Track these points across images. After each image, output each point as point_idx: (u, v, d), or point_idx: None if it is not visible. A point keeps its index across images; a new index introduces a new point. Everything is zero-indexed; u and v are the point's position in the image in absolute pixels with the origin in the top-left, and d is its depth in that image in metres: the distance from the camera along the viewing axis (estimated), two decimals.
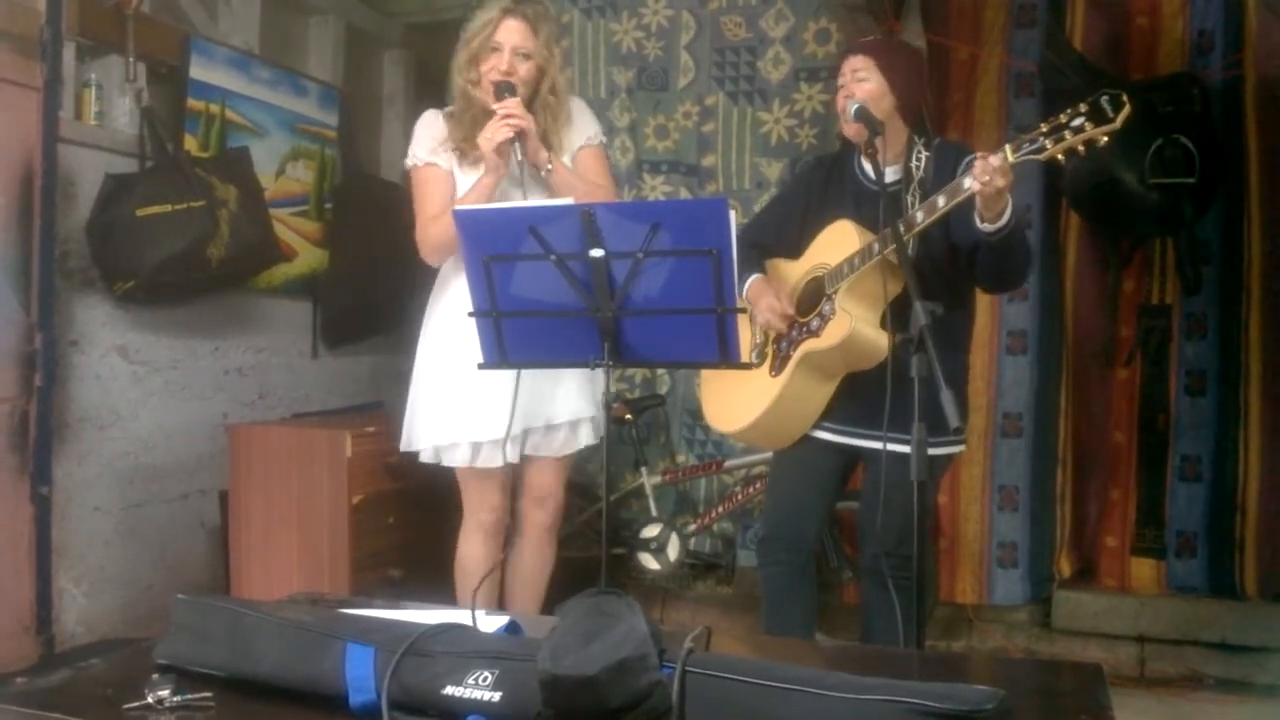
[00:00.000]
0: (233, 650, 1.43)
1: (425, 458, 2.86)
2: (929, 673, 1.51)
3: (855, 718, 1.14)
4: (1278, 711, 3.38)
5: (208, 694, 1.36)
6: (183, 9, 3.90)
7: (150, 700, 1.33)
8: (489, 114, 2.70)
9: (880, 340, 2.51)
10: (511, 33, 2.71)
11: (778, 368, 2.71)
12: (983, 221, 2.31)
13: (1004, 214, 2.30)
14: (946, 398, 1.99)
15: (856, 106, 2.54)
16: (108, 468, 3.48)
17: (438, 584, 3.39)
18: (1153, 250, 3.83)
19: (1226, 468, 3.66)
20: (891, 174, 2.61)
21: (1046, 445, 3.86)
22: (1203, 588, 3.72)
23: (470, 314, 2.30)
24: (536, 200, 2.63)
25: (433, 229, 2.73)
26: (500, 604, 2.97)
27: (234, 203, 3.58)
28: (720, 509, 4.06)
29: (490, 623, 1.57)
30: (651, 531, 3.99)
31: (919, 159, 2.62)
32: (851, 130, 2.60)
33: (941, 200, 2.36)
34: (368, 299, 4.52)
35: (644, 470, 4.06)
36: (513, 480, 2.93)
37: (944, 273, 2.57)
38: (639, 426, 4.08)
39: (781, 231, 2.83)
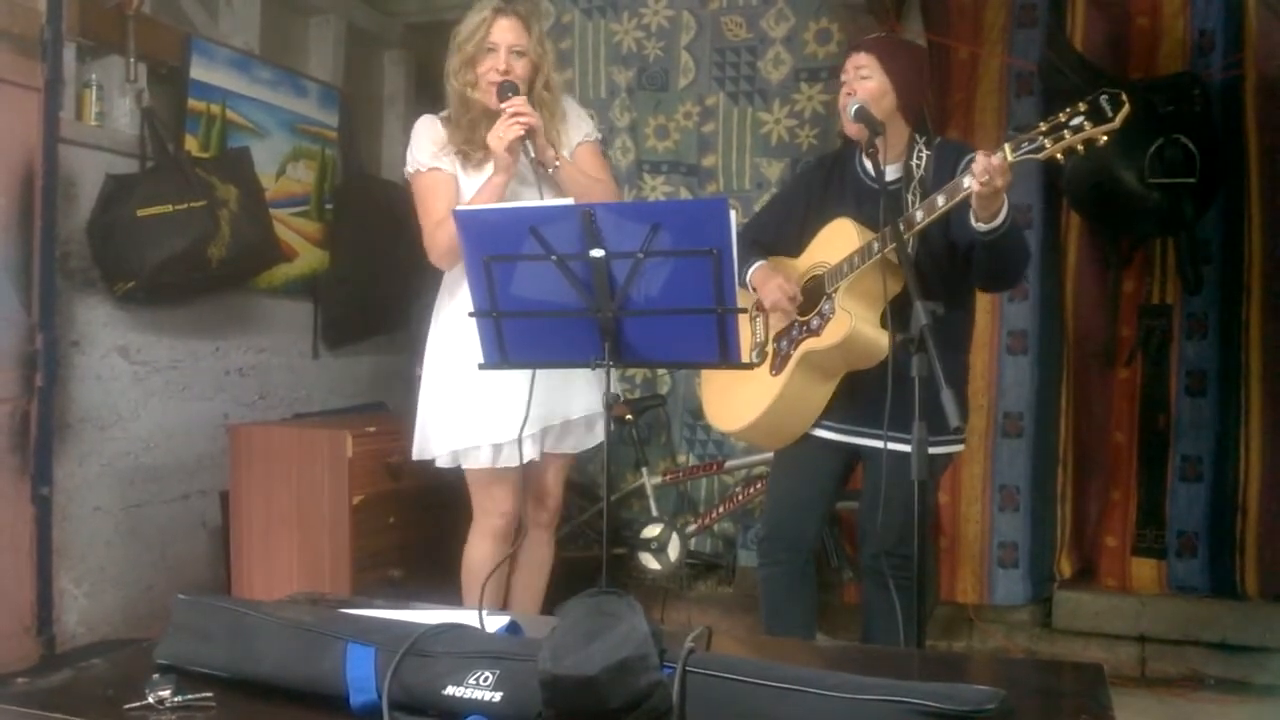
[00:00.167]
0: (233, 650, 1.43)
1: (442, 463, 2.84)
2: (929, 673, 1.51)
3: (856, 718, 1.14)
4: (1278, 711, 3.38)
5: (208, 694, 1.36)
6: (183, 9, 3.90)
7: (151, 700, 1.33)
8: (489, 115, 2.71)
9: (880, 339, 2.51)
10: (506, 31, 2.71)
11: (778, 367, 2.71)
12: (977, 221, 2.31)
13: (999, 214, 2.30)
14: (947, 397, 1.99)
15: (857, 106, 2.55)
16: (108, 468, 3.48)
17: (438, 584, 3.39)
18: (1153, 250, 3.83)
19: (1227, 468, 3.66)
20: (892, 173, 2.62)
21: (1047, 445, 3.86)
22: (1203, 588, 3.72)
23: (471, 314, 2.30)
24: (549, 198, 2.62)
25: (441, 234, 2.71)
26: (504, 604, 2.97)
27: (235, 203, 3.58)
28: (721, 509, 4.06)
29: (491, 623, 1.57)
30: (652, 531, 3.99)
31: (919, 158, 2.62)
32: (853, 129, 2.60)
33: (941, 199, 2.36)
34: (368, 299, 4.52)
35: (645, 470, 4.06)
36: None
37: (944, 272, 2.57)
38: (640, 426, 4.08)
39: (782, 230, 2.83)
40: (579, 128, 2.88)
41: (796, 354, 2.65)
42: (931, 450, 2.12)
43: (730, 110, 4.22)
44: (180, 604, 1.53)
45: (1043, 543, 3.87)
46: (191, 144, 3.73)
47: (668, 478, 4.15)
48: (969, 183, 2.25)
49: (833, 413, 2.69)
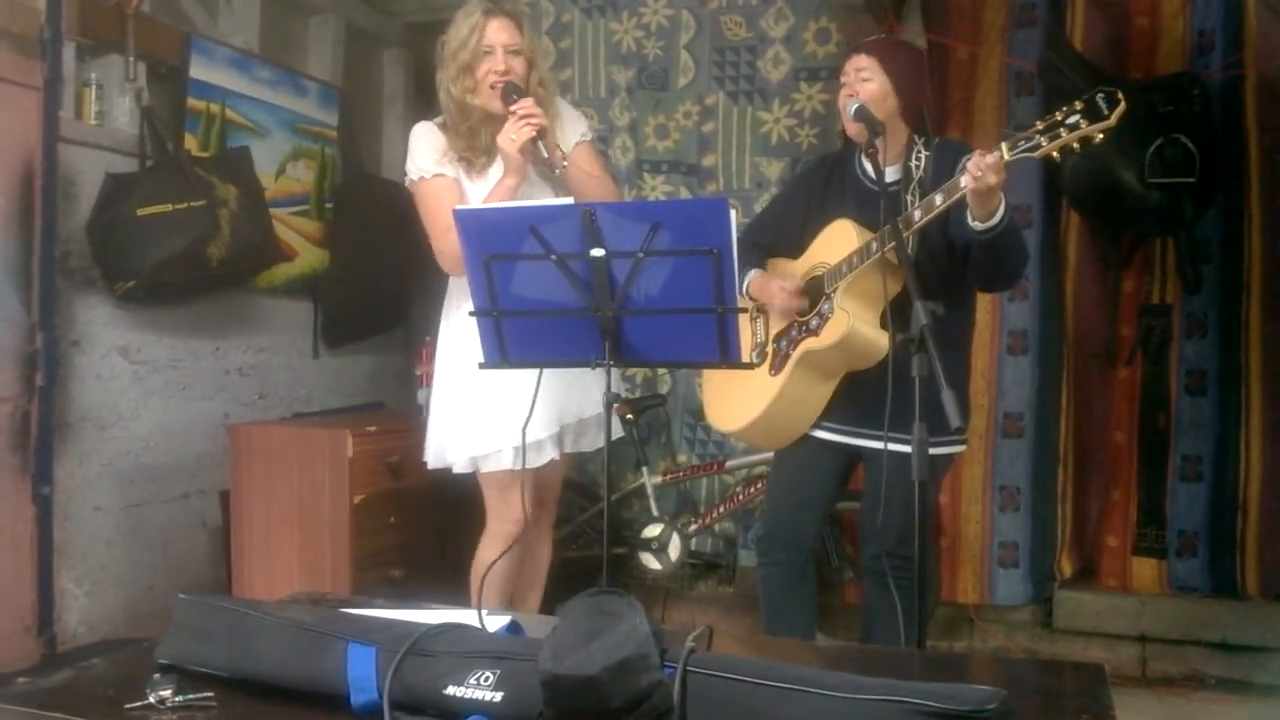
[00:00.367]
0: (234, 650, 1.43)
1: (459, 469, 2.83)
2: (930, 673, 1.51)
3: (857, 718, 1.14)
4: (1278, 711, 3.38)
5: (209, 694, 1.36)
6: (183, 9, 3.90)
7: (152, 700, 1.33)
8: (489, 120, 2.71)
9: (879, 339, 2.51)
10: (499, 32, 2.71)
11: (777, 366, 2.71)
12: (974, 219, 2.31)
13: (996, 213, 2.30)
14: (948, 398, 1.98)
15: (857, 106, 2.55)
16: (109, 468, 3.48)
17: (439, 584, 3.39)
18: (1153, 250, 3.83)
19: (1227, 467, 3.67)
20: (892, 174, 2.62)
21: (1047, 445, 3.86)
22: (1204, 587, 3.72)
23: (471, 313, 2.30)
24: (559, 198, 2.62)
25: (450, 240, 2.67)
26: (512, 606, 2.97)
27: (234, 202, 3.58)
28: (721, 509, 4.06)
29: (491, 622, 1.57)
30: (653, 531, 3.99)
31: (919, 158, 2.62)
32: (853, 130, 2.60)
33: (939, 198, 2.36)
34: (368, 299, 4.52)
35: (645, 470, 4.06)
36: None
37: (943, 272, 2.57)
38: (640, 426, 4.08)
39: (782, 230, 2.84)
40: (575, 127, 2.89)
41: (796, 354, 2.65)
42: (932, 451, 2.12)
43: (730, 110, 4.22)
44: (181, 604, 1.53)
45: (1043, 543, 3.87)
46: (191, 143, 3.72)
47: (668, 477, 4.15)
48: (964, 181, 2.25)
49: (833, 413, 2.69)
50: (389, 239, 4.31)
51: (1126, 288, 3.88)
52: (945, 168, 2.55)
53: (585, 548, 4.10)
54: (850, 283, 2.55)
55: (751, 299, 2.77)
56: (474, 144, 2.74)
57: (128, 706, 1.33)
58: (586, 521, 4.11)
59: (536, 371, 2.39)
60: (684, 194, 4.23)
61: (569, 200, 2.42)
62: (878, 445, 2.46)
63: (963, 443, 2.70)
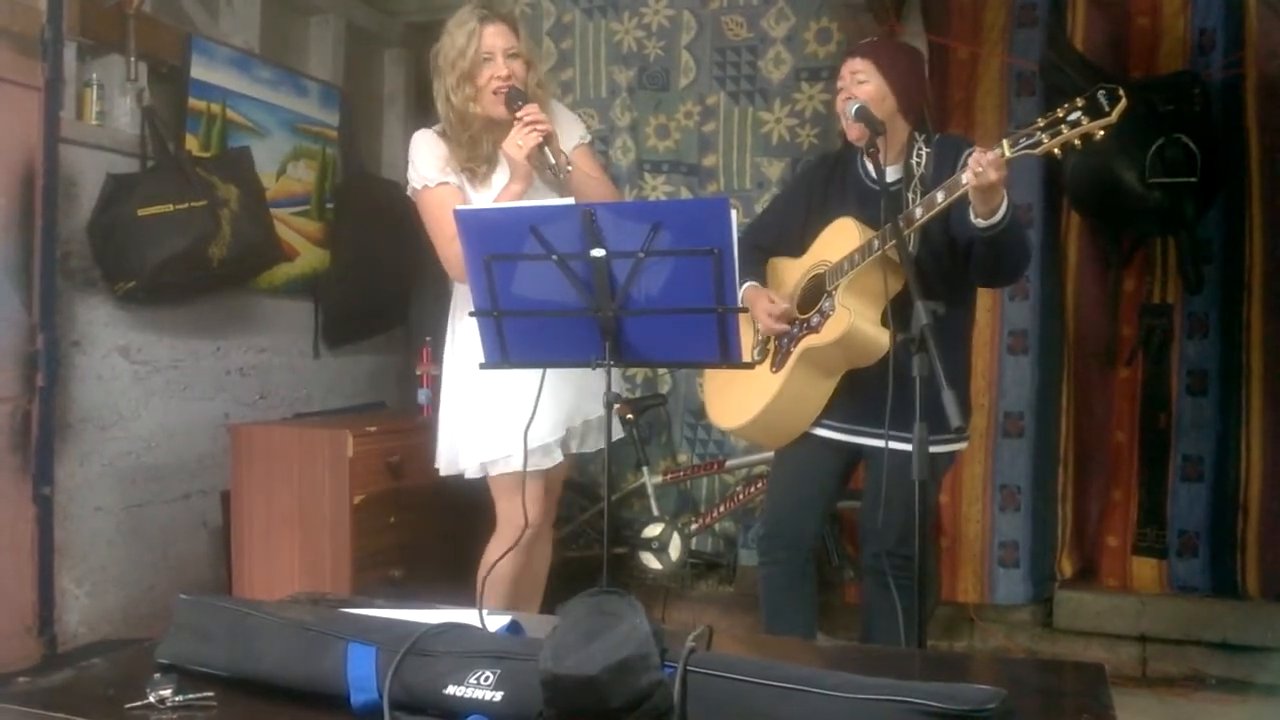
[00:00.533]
0: (234, 650, 1.43)
1: (471, 474, 2.84)
2: (930, 672, 1.51)
3: (857, 717, 1.14)
4: (1279, 711, 3.38)
5: (209, 693, 1.36)
6: (184, 9, 3.90)
7: (152, 700, 1.33)
8: (490, 127, 2.71)
9: (880, 337, 2.51)
10: (497, 37, 2.70)
11: (778, 364, 2.71)
12: (977, 216, 2.31)
13: (999, 210, 2.30)
14: (948, 398, 1.98)
15: (857, 107, 2.54)
16: (109, 468, 3.48)
17: (440, 583, 3.39)
18: (1154, 249, 3.83)
19: (1228, 467, 3.66)
20: (893, 173, 2.62)
21: (1048, 445, 3.86)
22: (1204, 587, 3.72)
23: (471, 313, 2.30)
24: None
25: (458, 247, 2.68)
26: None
27: (235, 202, 3.58)
28: (722, 508, 4.06)
29: (492, 622, 1.57)
30: (653, 531, 3.99)
31: (919, 156, 2.62)
32: (854, 132, 2.60)
33: (941, 195, 2.36)
34: (369, 299, 4.53)
35: (645, 470, 4.06)
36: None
37: (944, 270, 2.57)
38: (640, 426, 4.08)
39: (783, 230, 2.84)
40: (573, 130, 2.89)
41: (797, 351, 2.65)
42: (933, 449, 2.13)
43: (731, 110, 4.22)
44: (181, 604, 1.53)
45: (1043, 542, 3.87)
46: (192, 143, 3.73)
47: (668, 477, 4.15)
48: (966, 178, 2.25)
49: (833, 412, 2.69)
50: (390, 239, 4.31)
51: (1127, 287, 3.88)
52: (946, 163, 2.55)
53: (585, 547, 4.10)
54: (851, 280, 2.55)
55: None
56: (476, 154, 2.74)
57: (128, 706, 1.33)
58: (587, 521, 4.11)
59: (540, 377, 2.40)
60: (685, 194, 4.23)
61: (569, 200, 2.41)
62: (878, 443, 2.46)
63: (964, 440, 2.70)
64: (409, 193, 2.85)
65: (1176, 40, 3.73)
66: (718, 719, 1.18)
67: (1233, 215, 3.64)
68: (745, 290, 2.76)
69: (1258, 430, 3.59)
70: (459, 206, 2.44)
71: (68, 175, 3.30)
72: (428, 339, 3.78)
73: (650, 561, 4.00)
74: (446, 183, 2.76)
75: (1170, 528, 3.79)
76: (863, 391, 2.59)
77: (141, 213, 3.34)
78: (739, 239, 2.13)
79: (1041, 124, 2.20)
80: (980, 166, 2.20)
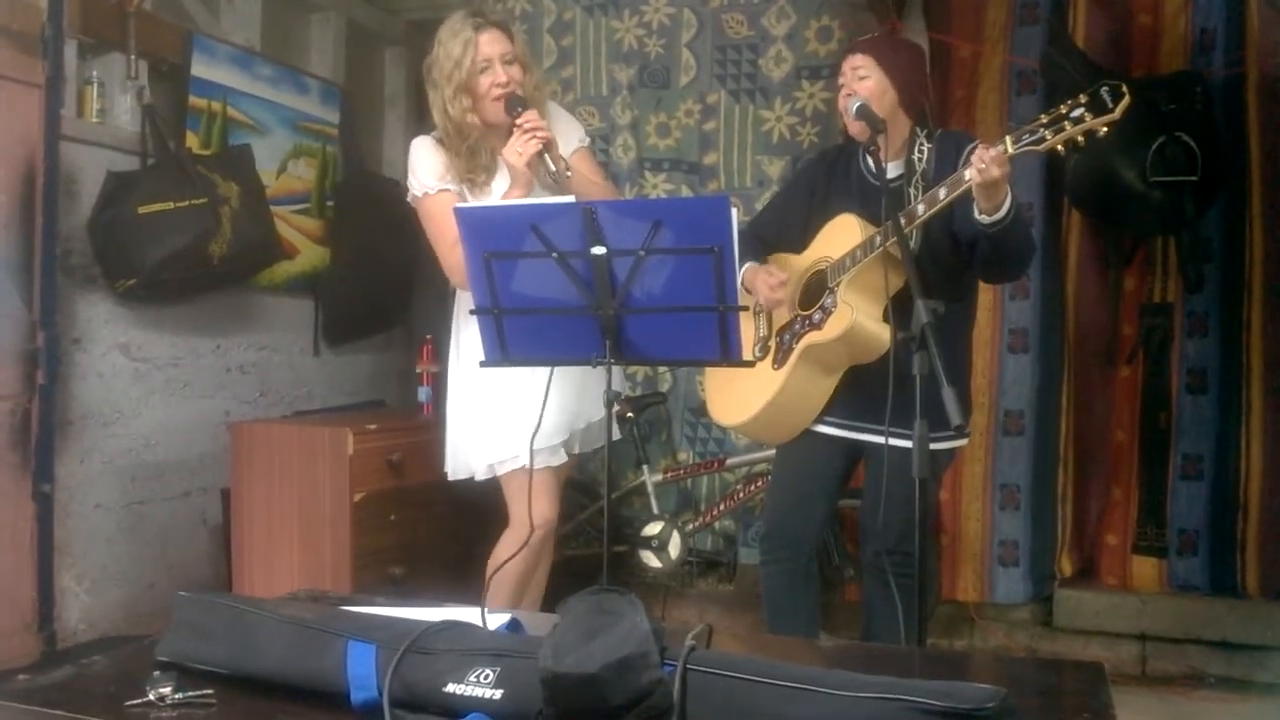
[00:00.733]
0: (234, 647, 1.42)
1: (481, 475, 2.85)
2: (930, 671, 1.51)
3: (857, 716, 1.14)
4: (1279, 710, 3.38)
5: (209, 691, 1.36)
6: (184, 6, 3.90)
7: (152, 697, 1.33)
8: (488, 135, 2.72)
9: (882, 334, 2.51)
10: (493, 44, 2.70)
11: (780, 361, 2.71)
12: (980, 213, 2.31)
13: (1002, 206, 2.30)
14: (949, 395, 1.99)
15: (859, 104, 2.54)
16: (110, 465, 3.48)
17: (440, 581, 3.39)
18: (1154, 248, 3.83)
19: (1228, 466, 3.66)
20: (894, 169, 2.62)
21: (1048, 443, 3.86)
22: (1204, 586, 3.72)
23: (472, 311, 2.30)
24: None
25: (459, 253, 2.68)
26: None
27: (236, 200, 3.58)
28: (722, 506, 4.06)
29: (492, 620, 1.57)
30: (653, 529, 3.99)
31: (921, 151, 2.62)
32: (855, 129, 2.60)
33: (943, 192, 2.36)
34: (369, 297, 4.53)
35: (645, 468, 4.06)
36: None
37: (946, 266, 2.58)
38: (640, 424, 4.08)
39: (784, 226, 2.84)
40: (572, 134, 2.88)
41: (799, 348, 2.65)
42: (933, 446, 2.13)
43: (731, 108, 4.22)
44: (181, 601, 1.52)
45: (1043, 541, 3.87)
46: (193, 141, 3.73)
47: (669, 475, 4.15)
48: (969, 174, 2.25)
49: (835, 409, 2.69)
50: (390, 237, 4.31)
51: (1128, 286, 3.88)
52: (948, 158, 2.55)
53: (585, 545, 4.10)
54: (853, 277, 2.55)
55: (745, 290, 2.77)
56: (474, 164, 2.74)
57: (128, 704, 1.33)
58: (587, 519, 4.11)
59: (546, 379, 2.39)
60: (685, 192, 4.23)
61: (570, 198, 2.41)
62: (879, 440, 2.45)
63: (964, 437, 2.70)
64: (409, 199, 2.85)
65: (1178, 39, 3.72)
66: (717, 717, 1.18)
67: (1233, 214, 3.64)
68: (745, 271, 2.75)
69: (1257, 429, 3.59)
70: (459, 205, 2.44)
71: (68, 173, 3.30)
72: (428, 337, 3.79)
73: (650, 560, 4.00)
74: (446, 189, 2.75)
75: (1170, 526, 3.79)
76: (864, 388, 2.59)
77: (142, 210, 3.34)
78: (740, 231, 2.13)
79: (1045, 120, 2.20)
80: (984, 163, 2.20)
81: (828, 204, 2.72)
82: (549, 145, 2.59)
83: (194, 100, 3.75)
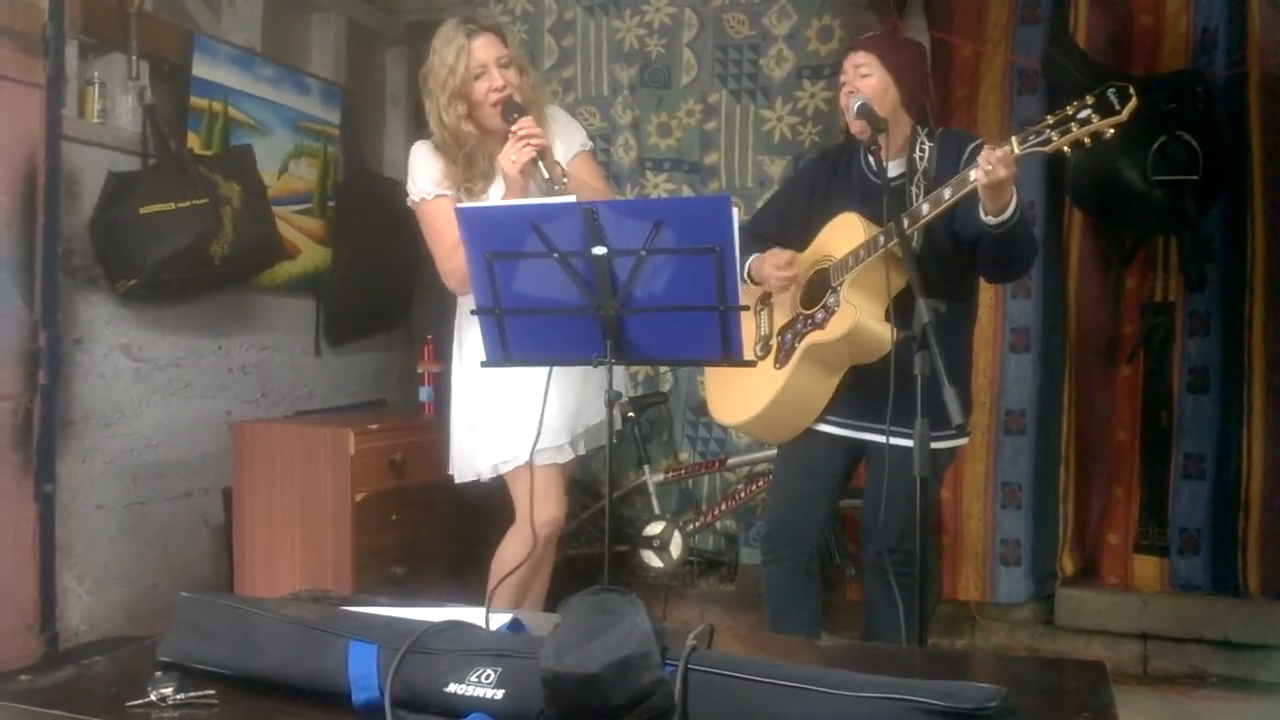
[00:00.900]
0: (236, 648, 1.43)
1: (485, 477, 2.85)
2: (932, 670, 1.51)
3: (858, 716, 1.14)
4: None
5: (211, 691, 1.36)
6: (185, 7, 3.90)
7: (153, 698, 1.33)
8: (484, 142, 2.72)
9: (885, 333, 2.51)
10: (487, 48, 2.70)
11: (782, 360, 2.71)
12: (987, 214, 2.31)
13: (1008, 206, 2.30)
14: (949, 395, 1.99)
15: (860, 103, 2.54)
16: (111, 465, 3.48)
17: (441, 581, 3.39)
18: (1156, 247, 3.82)
19: (1230, 465, 3.66)
20: (895, 168, 2.62)
21: (1049, 443, 3.86)
22: (1206, 585, 3.72)
23: (473, 311, 2.30)
24: None
25: (457, 259, 2.62)
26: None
27: (237, 200, 3.58)
28: (723, 506, 4.06)
29: (493, 620, 1.57)
30: (654, 529, 3.98)
31: (922, 150, 2.62)
32: (857, 127, 2.60)
33: (948, 193, 2.37)
34: (371, 297, 4.53)
35: (647, 468, 4.06)
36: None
37: (947, 266, 2.58)
38: (642, 424, 4.08)
39: (785, 224, 2.83)
40: (573, 138, 2.88)
41: (801, 347, 2.65)
42: (934, 445, 2.13)
43: (733, 107, 4.21)
44: (182, 601, 1.52)
45: (1045, 540, 3.86)
46: (194, 141, 3.73)
47: (670, 475, 4.15)
48: (975, 175, 2.25)
49: (836, 408, 2.69)
50: (391, 237, 4.30)
51: (1129, 285, 3.88)
52: (949, 158, 2.56)
53: (587, 545, 4.10)
54: (856, 276, 2.55)
55: (752, 283, 2.77)
56: (472, 172, 2.75)
57: (129, 704, 1.33)
58: (588, 519, 4.11)
59: (548, 381, 2.40)
60: (686, 192, 4.23)
61: (571, 198, 2.41)
62: (880, 439, 2.46)
63: (965, 436, 2.70)
64: (409, 204, 2.85)
65: (1179, 38, 3.72)
66: (719, 717, 1.18)
67: (1234, 213, 3.64)
68: (750, 262, 2.75)
69: (1259, 428, 3.59)
70: (460, 204, 2.45)
71: (69, 173, 3.30)
72: (429, 337, 3.79)
73: (651, 559, 3.99)
74: (445, 195, 2.76)
75: (1171, 526, 3.79)
76: (866, 388, 2.59)
77: (143, 211, 3.34)
78: (740, 228, 2.13)
79: (1051, 121, 2.20)
80: (990, 164, 2.20)
81: (828, 203, 2.72)
82: (543, 152, 2.59)
83: (195, 100, 3.75)
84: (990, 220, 2.32)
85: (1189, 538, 3.76)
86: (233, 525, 3.50)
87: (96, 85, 3.46)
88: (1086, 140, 2.18)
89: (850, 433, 2.69)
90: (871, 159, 2.58)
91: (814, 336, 2.62)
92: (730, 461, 4.09)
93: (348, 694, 1.32)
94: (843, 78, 2.65)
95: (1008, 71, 3.88)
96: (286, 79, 4.20)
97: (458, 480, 2.93)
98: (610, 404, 2.29)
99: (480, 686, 1.25)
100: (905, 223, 2.39)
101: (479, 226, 2.22)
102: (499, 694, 1.24)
